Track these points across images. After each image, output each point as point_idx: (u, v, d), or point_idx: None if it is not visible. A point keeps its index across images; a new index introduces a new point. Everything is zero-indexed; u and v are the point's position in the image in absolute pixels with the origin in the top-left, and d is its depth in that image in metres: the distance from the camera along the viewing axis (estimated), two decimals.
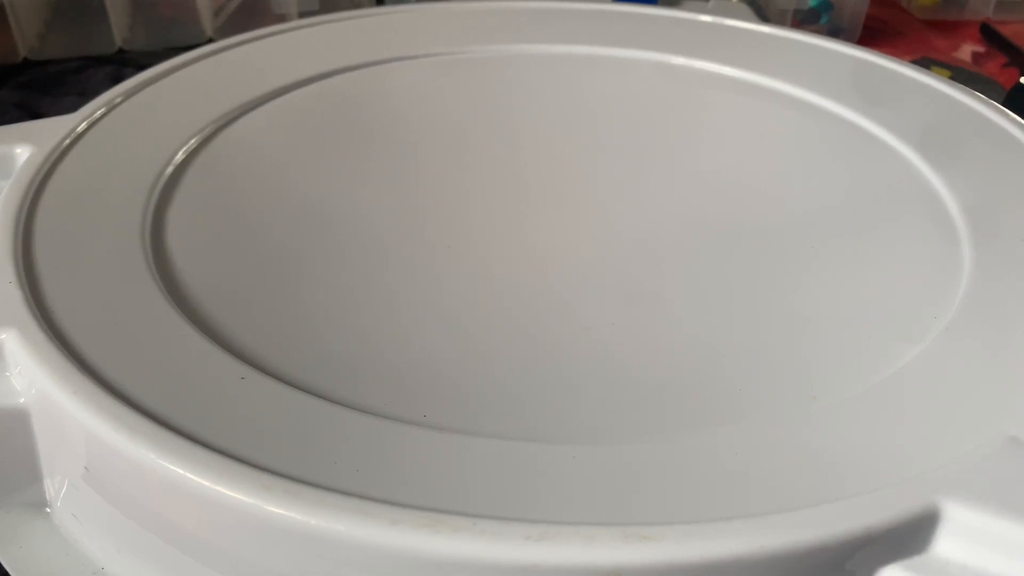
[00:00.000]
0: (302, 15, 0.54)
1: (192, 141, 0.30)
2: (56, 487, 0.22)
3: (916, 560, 0.18)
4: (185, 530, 0.19)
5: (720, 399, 0.21)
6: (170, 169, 0.29)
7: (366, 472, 0.18)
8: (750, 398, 0.21)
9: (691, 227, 0.28)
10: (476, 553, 0.17)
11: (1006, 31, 0.59)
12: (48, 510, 0.22)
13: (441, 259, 0.26)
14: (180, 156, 0.30)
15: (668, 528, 0.17)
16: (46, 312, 0.22)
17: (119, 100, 0.32)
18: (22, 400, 0.21)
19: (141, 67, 0.38)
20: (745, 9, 0.45)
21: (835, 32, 0.58)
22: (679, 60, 0.38)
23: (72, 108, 0.32)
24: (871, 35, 0.59)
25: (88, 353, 0.21)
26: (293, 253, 0.26)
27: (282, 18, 0.54)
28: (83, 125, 0.30)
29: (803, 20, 0.58)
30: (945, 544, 0.18)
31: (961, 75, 0.54)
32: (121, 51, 0.53)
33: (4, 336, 0.21)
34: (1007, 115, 0.33)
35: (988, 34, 0.59)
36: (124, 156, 0.29)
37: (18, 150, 0.29)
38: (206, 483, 0.18)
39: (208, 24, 0.53)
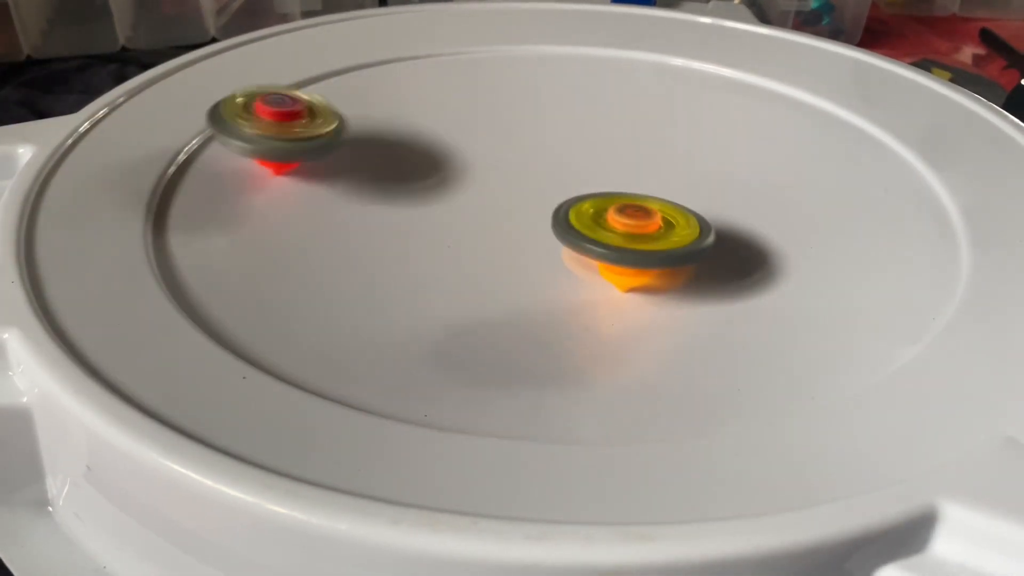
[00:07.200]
0: (305, 15, 0.54)
1: (194, 141, 0.30)
2: (58, 486, 0.22)
3: (914, 560, 0.18)
4: (186, 529, 0.19)
5: (719, 399, 0.22)
6: (172, 169, 0.29)
7: (367, 471, 0.18)
8: (749, 398, 0.22)
9: None
10: (476, 552, 0.17)
11: (1004, 33, 0.59)
12: (50, 509, 0.22)
13: (442, 259, 0.26)
14: (182, 156, 0.30)
15: (667, 528, 0.17)
16: (48, 312, 0.22)
17: (122, 100, 0.32)
18: (24, 399, 0.21)
19: (144, 66, 0.38)
20: (744, 11, 0.45)
21: (836, 34, 0.58)
22: (678, 61, 0.38)
23: (75, 107, 0.32)
24: (872, 37, 0.59)
25: (90, 353, 0.21)
26: (294, 252, 0.26)
27: (285, 18, 0.54)
28: (85, 125, 0.30)
29: (805, 21, 0.58)
30: (943, 544, 0.18)
31: (962, 77, 0.54)
32: (124, 50, 0.53)
33: (6, 336, 0.21)
34: (1007, 118, 0.33)
35: (987, 38, 0.59)
36: (127, 156, 0.29)
37: (20, 150, 0.29)
38: (208, 482, 0.18)
39: (211, 23, 0.54)
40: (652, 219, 0.24)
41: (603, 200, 0.25)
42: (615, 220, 0.24)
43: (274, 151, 0.28)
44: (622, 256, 0.23)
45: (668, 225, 0.25)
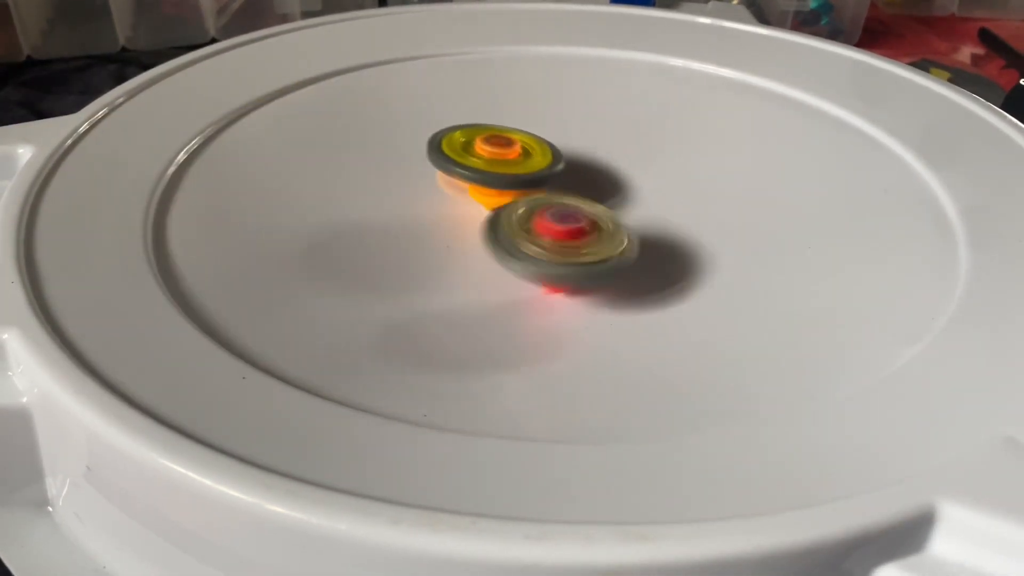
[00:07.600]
0: (305, 15, 0.54)
1: (194, 141, 0.30)
2: (58, 486, 0.22)
3: (913, 560, 0.18)
4: (186, 529, 0.19)
5: (719, 399, 0.22)
6: (172, 169, 0.29)
7: (367, 471, 0.18)
8: (748, 398, 0.22)
9: (689, 228, 0.28)
10: (476, 552, 0.17)
11: (1003, 33, 0.59)
12: (50, 509, 0.22)
13: (440, 258, 0.26)
14: (182, 156, 0.30)
15: (667, 528, 0.17)
16: (48, 312, 0.22)
17: (121, 100, 0.32)
18: (24, 399, 0.21)
19: (144, 66, 0.38)
20: (743, 11, 0.45)
21: (835, 34, 0.58)
22: (677, 62, 0.38)
23: (75, 107, 0.32)
24: (871, 37, 0.59)
25: (90, 353, 0.21)
26: (294, 253, 0.26)
27: (285, 18, 0.54)
28: (85, 125, 0.30)
29: (803, 22, 0.58)
30: (942, 544, 0.18)
31: (960, 77, 0.54)
32: (124, 50, 0.53)
33: (6, 336, 0.21)
34: (1005, 118, 0.33)
35: (986, 38, 0.59)
36: (126, 156, 0.29)
37: (20, 150, 0.29)
38: (207, 482, 0.18)
39: (211, 24, 0.54)
40: (513, 148, 0.28)
41: (472, 130, 0.29)
42: (481, 148, 0.28)
43: (561, 277, 0.24)
44: (484, 177, 0.27)
45: (526, 153, 0.28)
